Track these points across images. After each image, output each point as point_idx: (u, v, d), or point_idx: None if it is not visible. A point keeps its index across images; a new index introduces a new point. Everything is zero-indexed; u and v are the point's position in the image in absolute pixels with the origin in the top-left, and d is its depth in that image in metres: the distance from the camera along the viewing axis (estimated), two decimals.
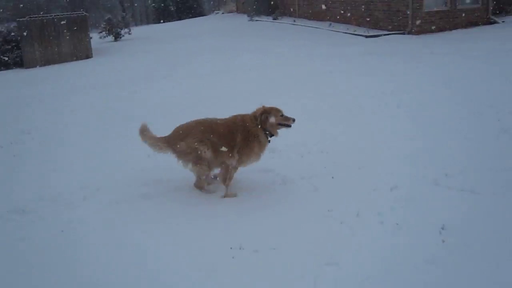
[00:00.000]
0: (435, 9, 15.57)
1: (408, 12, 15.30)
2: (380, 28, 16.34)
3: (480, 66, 9.34)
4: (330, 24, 18.45)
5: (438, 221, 3.84)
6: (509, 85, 7.73)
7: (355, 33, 16.16)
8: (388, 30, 15.98)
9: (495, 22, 15.97)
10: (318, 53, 12.81)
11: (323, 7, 19.24)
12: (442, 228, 3.75)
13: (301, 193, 4.63)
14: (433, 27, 15.35)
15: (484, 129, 5.95)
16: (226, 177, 4.65)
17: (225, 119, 4.68)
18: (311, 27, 18.67)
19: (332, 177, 4.88)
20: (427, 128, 6.16)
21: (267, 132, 4.61)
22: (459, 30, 15.36)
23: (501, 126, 5.94)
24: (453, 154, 5.26)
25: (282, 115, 4.62)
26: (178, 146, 4.49)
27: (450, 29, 15.51)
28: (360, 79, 9.12)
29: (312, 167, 5.18)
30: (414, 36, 14.92)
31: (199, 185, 4.70)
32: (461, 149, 5.38)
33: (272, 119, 4.54)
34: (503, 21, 16.02)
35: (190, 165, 4.52)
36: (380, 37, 15.23)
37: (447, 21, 15.65)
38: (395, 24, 15.90)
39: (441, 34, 15.02)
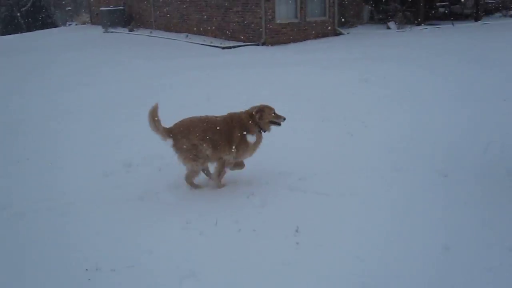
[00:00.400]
0: (287, 21, 16.34)
1: (262, 24, 15.87)
2: (236, 40, 16.75)
3: (326, 73, 9.95)
4: (187, 36, 18.52)
5: (292, 224, 3.98)
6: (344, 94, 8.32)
7: (212, 44, 16.38)
8: (244, 42, 16.43)
9: (341, 33, 17.14)
10: (174, 65, 12.74)
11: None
12: (296, 231, 3.90)
13: (159, 208, 4.54)
14: (285, 38, 16.09)
15: (333, 133, 6.33)
16: (221, 172, 4.86)
17: (223, 116, 4.89)
18: (168, 38, 18.59)
19: (191, 188, 4.87)
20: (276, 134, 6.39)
21: (261, 129, 4.85)
22: (309, 41, 16.27)
23: (364, 128, 6.37)
24: (307, 159, 5.52)
25: (274, 113, 4.88)
26: (180, 142, 4.66)
27: (301, 40, 16.38)
28: (216, 91, 9.20)
29: (169, 179, 5.11)
30: (268, 47, 15.51)
31: (189, 180, 4.87)
32: (314, 153, 5.66)
33: (266, 117, 4.83)
34: (348, 33, 17.25)
35: (186, 161, 4.73)
36: (235, 48, 15.60)
37: (298, 32, 16.51)
38: (250, 35, 16.40)
39: (293, 45, 15.79)
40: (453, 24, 19.16)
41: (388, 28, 17.85)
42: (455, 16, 20.22)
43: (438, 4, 20.01)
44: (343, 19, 18.16)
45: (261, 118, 4.82)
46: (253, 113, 4.82)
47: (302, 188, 4.72)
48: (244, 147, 4.80)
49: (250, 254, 3.65)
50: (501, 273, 3.31)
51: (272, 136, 5.02)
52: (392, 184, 4.76)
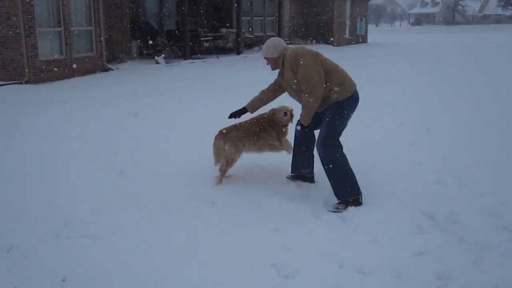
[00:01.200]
0: (52, 58, 15.58)
1: (23, 61, 14.88)
2: None
3: (94, 110, 9.75)
4: None
5: (58, 274, 3.75)
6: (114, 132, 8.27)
7: None
8: (5, 81, 15.18)
9: (110, 69, 16.98)
10: None
11: None
12: (63, 280, 3.69)
13: None
14: (51, 76, 15.32)
15: (104, 171, 6.19)
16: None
17: (256, 117, 5.80)
18: None
19: None
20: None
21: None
22: (77, 78, 15.74)
23: (118, 167, 6.30)
24: (75, 200, 5.28)
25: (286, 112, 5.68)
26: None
27: (69, 77, 15.76)
28: None
29: None
30: (33, 85, 14.59)
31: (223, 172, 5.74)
32: (85, 193, 5.45)
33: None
34: (117, 68, 17.18)
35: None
36: None
37: (65, 69, 15.86)
38: (11, 73, 15.23)
39: (59, 82, 15.10)
40: (217, 57, 20.47)
41: (157, 62, 18.25)
42: (219, 50, 21.65)
43: (203, 39, 21.18)
44: (111, 55, 18.03)
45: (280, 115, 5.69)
46: (277, 111, 5.71)
47: (68, 234, 4.48)
48: (281, 133, 5.79)
49: None
50: None
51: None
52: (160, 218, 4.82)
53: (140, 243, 4.29)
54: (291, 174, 5.81)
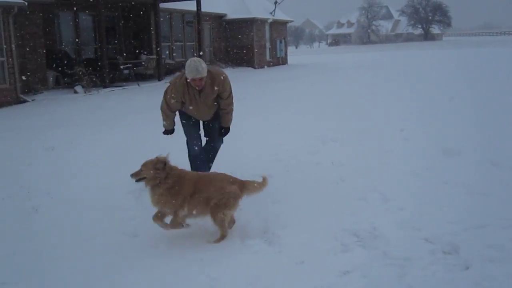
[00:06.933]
0: None
1: None
2: None
3: (6, 144, 9.27)
4: None
5: None
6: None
7: None
8: None
9: (25, 101, 16.26)
10: None
11: None
12: None
13: None
14: None
15: (16, 209, 5.84)
16: None
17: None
18: None
19: None
20: None
21: None
22: None
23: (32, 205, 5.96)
24: None
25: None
26: None
27: None
28: None
29: None
30: None
31: None
32: None
33: None
34: (33, 100, 16.48)
35: None
36: None
37: None
38: None
39: None
40: (138, 85, 20.16)
41: (76, 92, 17.68)
42: (140, 76, 21.31)
43: (122, 67, 20.79)
44: (27, 86, 17.28)
45: None
46: None
47: None
48: None
49: None
50: None
51: None
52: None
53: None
54: None
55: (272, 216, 5.21)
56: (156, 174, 4.66)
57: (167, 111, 6.00)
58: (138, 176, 4.72)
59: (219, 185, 4.72)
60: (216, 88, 5.78)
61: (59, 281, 4.11)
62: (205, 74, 5.56)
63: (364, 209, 5.32)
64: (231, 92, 5.98)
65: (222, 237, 4.68)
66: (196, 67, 5.49)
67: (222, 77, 5.82)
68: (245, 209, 5.36)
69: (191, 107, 5.91)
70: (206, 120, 6.24)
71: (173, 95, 5.81)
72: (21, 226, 5.37)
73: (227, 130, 6.22)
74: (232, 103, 6.06)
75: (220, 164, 6.25)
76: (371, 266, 4.08)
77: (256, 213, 5.26)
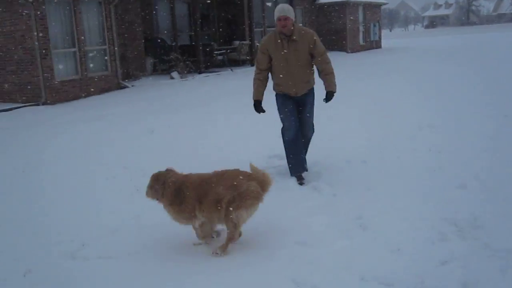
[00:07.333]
0: (67, 78, 15.74)
1: (40, 83, 15.05)
2: (12, 101, 15.59)
3: (114, 128, 9.79)
4: None
5: None
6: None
7: None
8: (23, 103, 15.37)
9: (125, 87, 17.09)
10: None
11: None
12: None
13: None
14: (67, 96, 15.47)
15: (121, 189, 6.17)
16: None
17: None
18: None
19: None
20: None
21: None
22: (93, 97, 15.86)
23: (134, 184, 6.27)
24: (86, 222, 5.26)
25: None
26: None
27: (85, 96, 15.90)
28: None
29: None
30: (50, 106, 14.74)
31: None
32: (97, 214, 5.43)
33: None
34: (132, 85, 17.28)
35: None
36: (13, 111, 14.49)
37: (81, 88, 16.00)
38: (28, 95, 15.41)
39: (76, 102, 15.23)
40: (232, 70, 20.50)
41: (172, 78, 18.33)
42: (233, 62, 21.69)
43: (216, 52, 21.25)
44: (126, 72, 18.16)
45: None
46: None
47: (83, 255, 4.45)
48: None
49: None
50: None
51: None
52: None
53: (158, 261, 4.25)
54: (299, 175, 5.95)
55: (367, 202, 5.14)
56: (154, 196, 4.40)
57: (256, 70, 6.00)
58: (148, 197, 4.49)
59: (229, 183, 4.15)
60: (307, 42, 5.71)
61: (158, 258, 4.31)
62: (290, 14, 5.61)
63: (464, 198, 5.11)
64: (325, 50, 5.87)
65: (229, 239, 4.19)
66: (282, 6, 5.69)
67: (312, 35, 5.79)
68: (339, 195, 5.35)
69: (281, 64, 5.81)
70: (299, 93, 5.94)
71: (261, 47, 5.92)
72: (124, 205, 5.67)
73: (331, 95, 5.86)
74: (330, 61, 5.85)
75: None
76: (471, 257, 3.91)
77: (350, 199, 5.21)
